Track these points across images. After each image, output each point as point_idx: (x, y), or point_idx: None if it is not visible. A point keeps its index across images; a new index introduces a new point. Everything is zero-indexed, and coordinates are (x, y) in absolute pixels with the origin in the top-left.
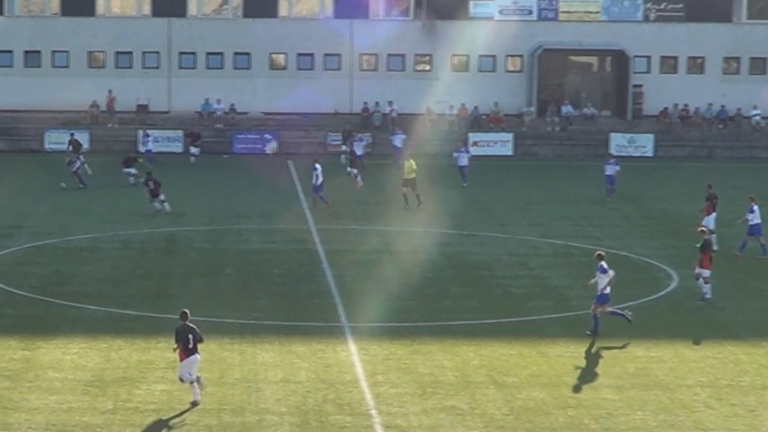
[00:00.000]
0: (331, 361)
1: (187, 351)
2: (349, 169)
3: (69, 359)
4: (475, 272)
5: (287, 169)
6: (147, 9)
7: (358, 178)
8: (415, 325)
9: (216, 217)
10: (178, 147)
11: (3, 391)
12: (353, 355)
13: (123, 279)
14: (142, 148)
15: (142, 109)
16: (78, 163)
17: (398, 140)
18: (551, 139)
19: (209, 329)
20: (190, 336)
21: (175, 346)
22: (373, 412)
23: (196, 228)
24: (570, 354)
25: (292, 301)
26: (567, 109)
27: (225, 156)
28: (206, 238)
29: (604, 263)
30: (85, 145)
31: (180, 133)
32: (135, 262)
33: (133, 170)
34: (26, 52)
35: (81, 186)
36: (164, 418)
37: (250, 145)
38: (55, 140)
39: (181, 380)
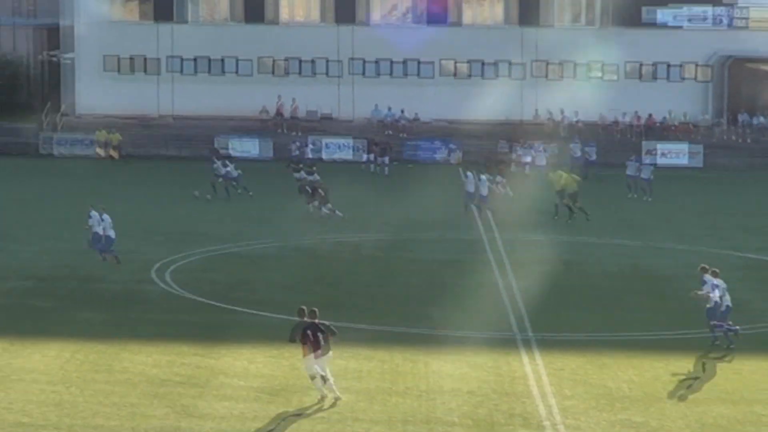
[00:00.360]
0: (503, 372)
1: (311, 346)
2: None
3: (240, 365)
4: (661, 285)
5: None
6: (326, 17)
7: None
8: (591, 336)
9: (391, 226)
10: (349, 154)
11: (177, 397)
12: (526, 365)
13: (295, 286)
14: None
15: (314, 115)
16: (224, 170)
17: (578, 150)
18: (740, 150)
19: (381, 338)
20: (312, 333)
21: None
22: (546, 423)
23: (371, 236)
24: (765, 370)
25: (464, 311)
26: (759, 120)
27: (410, 166)
28: (380, 246)
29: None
30: (256, 152)
31: (350, 140)
32: (307, 269)
33: (302, 175)
34: (204, 58)
35: (209, 196)
36: (334, 426)
37: (429, 153)
38: (236, 146)
39: (311, 377)
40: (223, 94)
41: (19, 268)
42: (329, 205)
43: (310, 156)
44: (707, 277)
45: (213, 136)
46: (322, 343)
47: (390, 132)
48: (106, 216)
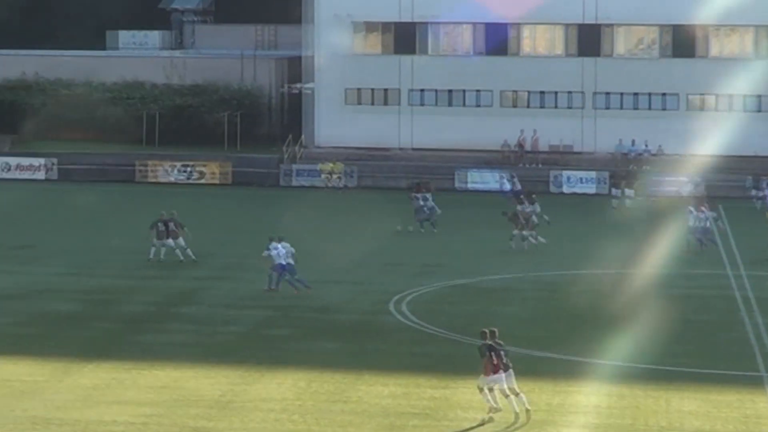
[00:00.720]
0: (749, 412)
1: (491, 367)
2: None
3: (477, 399)
4: None
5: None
6: (569, 49)
7: None
8: None
9: (629, 260)
10: (593, 188)
11: (412, 429)
12: None
13: (534, 319)
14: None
15: (556, 148)
16: (419, 204)
17: None
18: None
19: (621, 373)
20: (493, 354)
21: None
22: None
23: (610, 270)
24: None
25: (709, 348)
26: None
27: (653, 198)
28: (620, 281)
29: None
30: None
31: (594, 174)
32: (546, 302)
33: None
34: (444, 91)
35: (412, 228)
36: None
37: (672, 187)
38: (476, 180)
39: (480, 389)
40: (463, 126)
41: (257, 297)
42: (533, 232)
43: (519, 187)
44: None
45: (453, 169)
46: (504, 360)
47: (634, 166)
48: (284, 245)
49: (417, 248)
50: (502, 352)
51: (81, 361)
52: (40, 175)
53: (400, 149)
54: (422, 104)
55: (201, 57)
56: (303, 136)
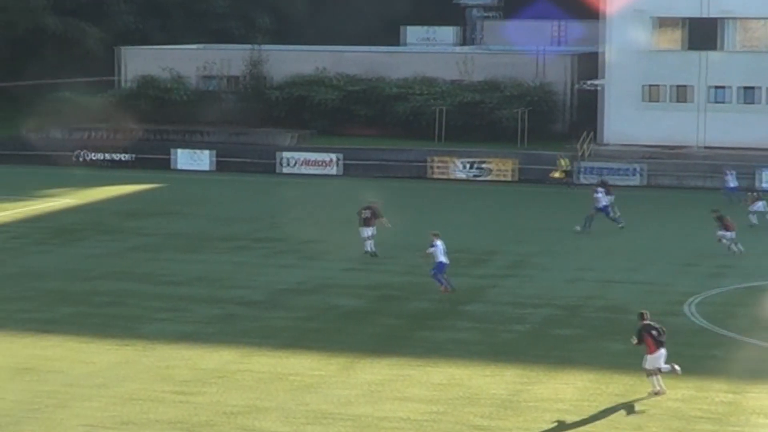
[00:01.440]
0: None
1: (655, 345)
2: None
3: None
4: None
5: None
6: None
7: None
8: None
9: None
10: None
11: None
12: None
13: None
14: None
15: None
16: (603, 203)
17: None
18: None
19: None
20: (654, 332)
21: (636, 341)
22: None
23: None
24: None
25: None
26: None
27: None
28: None
29: None
30: None
31: None
32: None
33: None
34: (741, 88)
35: (579, 229)
36: None
37: None
38: None
39: (647, 372)
40: (761, 124)
41: (543, 296)
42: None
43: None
44: None
45: (753, 168)
46: (661, 339)
47: None
48: (440, 242)
49: (704, 248)
50: (658, 332)
51: (364, 357)
52: (329, 170)
53: (701, 147)
54: (719, 101)
55: (491, 53)
56: (595, 134)
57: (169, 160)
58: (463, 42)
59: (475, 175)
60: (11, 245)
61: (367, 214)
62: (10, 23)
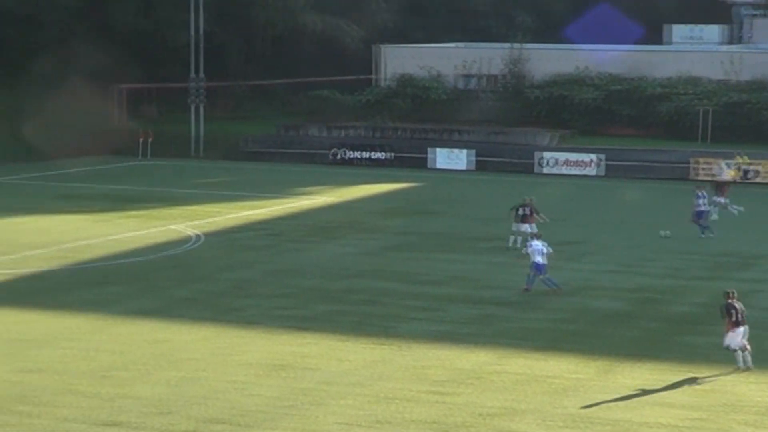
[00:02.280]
0: None
1: (733, 323)
2: None
3: None
4: None
5: None
6: None
7: None
8: None
9: None
10: None
11: None
12: None
13: None
14: None
15: None
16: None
17: None
18: None
19: None
20: (733, 311)
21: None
22: None
23: None
24: None
25: None
26: None
27: None
28: None
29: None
30: None
31: None
32: None
33: None
34: None
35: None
36: None
37: None
38: None
39: (727, 348)
40: None
41: None
42: None
43: None
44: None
45: None
46: (740, 318)
47: None
48: (542, 242)
49: None
50: (739, 311)
51: (623, 361)
52: (590, 170)
53: None
54: None
55: (760, 52)
56: None
57: (426, 159)
58: (730, 41)
59: (741, 178)
60: (270, 242)
61: (525, 211)
62: (270, 21)
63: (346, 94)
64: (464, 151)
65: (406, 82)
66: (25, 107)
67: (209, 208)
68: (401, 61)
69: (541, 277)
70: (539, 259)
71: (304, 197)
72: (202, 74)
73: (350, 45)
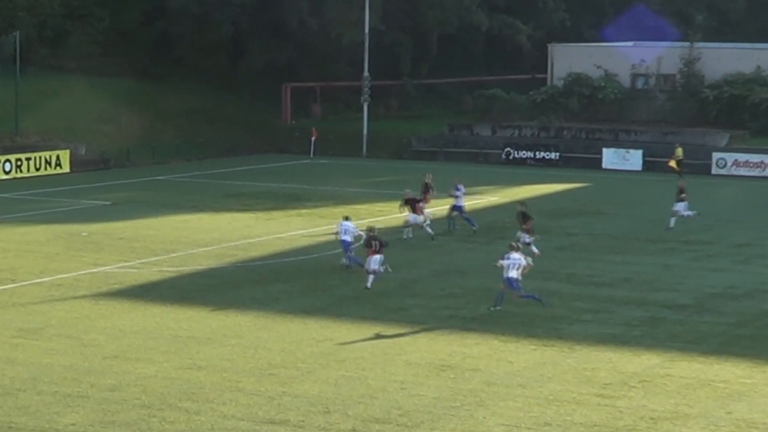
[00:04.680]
0: None
1: (373, 251)
2: None
3: None
4: None
5: None
6: None
7: None
8: None
9: None
10: None
11: None
12: None
13: None
14: None
15: None
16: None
17: None
18: None
19: None
20: (373, 242)
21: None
22: None
23: None
24: None
25: None
26: None
27: None
28: None
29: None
30: None
31: None
32: None
33: None
34: None
35: None
36: None
37: None
38: None
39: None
40: None
41: None
42: None
43: None
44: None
45: None
46: (378, 248)
47: None
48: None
49: None
50: (379, 242)
51: None
52: (763, 172)
53: None
54: None
55: None
56: None
57: (597, 159)
58: None
59: None
60: (436, 242)
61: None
62: (443, 20)
63: (515, 93)
64: (636, 151)
65: (577, 81)
66: (194, 105)
67: (376, 207)
68: (573, 60)
69: (519, 294)
70: (513, 273)
71: (472, 197)
72: (369, 73)
73: (523, 44)
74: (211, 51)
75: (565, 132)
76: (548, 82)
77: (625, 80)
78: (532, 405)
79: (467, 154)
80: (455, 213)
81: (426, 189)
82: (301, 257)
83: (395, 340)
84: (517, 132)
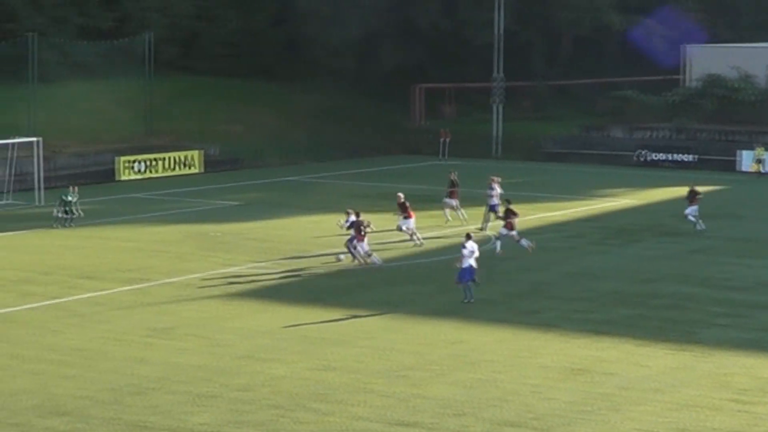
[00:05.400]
0: None
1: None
2: None
3: None
4: None
5: None
6: None
7: None
8: None
9: None
10: None
11: None
12: None
13: None
14: None
15: None
16: None
17: None
18: None
19: None
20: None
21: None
22: None
23: None
24: None
25: None
26: None
27: None
28: None
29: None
30: None
31: None
32: None
33: None
34: None
35: None
36: None
37: None
38: None
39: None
40: None
41: None
42: None
43: None
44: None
45: None
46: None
47: None
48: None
49: None
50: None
51: None
52: None
53: None
54: None
55: None
56: None
57: (733, 161)
58: None
59: None
60: (570, 244)
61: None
62: (576, 21)
63: (649, 94)
64: None
65: (713, 82)
66: (324, 106)
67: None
68: (708, 60)
69: (469, 283)
70: (472, 262)
71: (605, 199)
72: (503, 74)
73: (656, 44)
74: (340, 52)
75: (700, 134)
76: (683, 84)
77: (763, 81)
78: (667, 410)
79: (600, 156)
80: (491, 213)
81: (452, 185)
82: (432, 259)
83: (528, 343)
84: (651, 134)
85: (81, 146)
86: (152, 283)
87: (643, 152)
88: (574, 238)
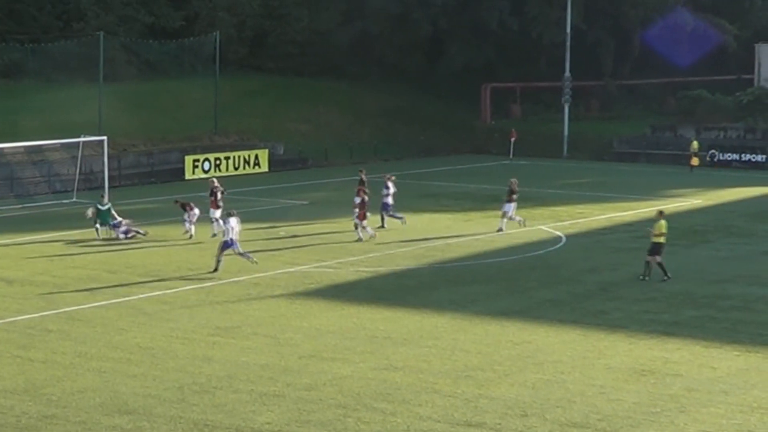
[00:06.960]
0: None
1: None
2: None
3: None
4: None
5: None
6: None
7: None
8: None
9: None
10: None
11: None
12: None
13: None
14: None
15: None
16: None
17: None
18: None
19: None
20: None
21: None
22: None
23: None
24: None
25: None
26: None
27: None
28: None
29: None
30: None
31: None
32: None
33: None
34: None
35: None
36: None
37: None
38: None
39: None
40: None
41: None
42: None
43: None
44: None
45: None
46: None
47: None
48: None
49: None
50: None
51: None
52: None
53: None
54: None
55: None
56: None
57: None
58: None
59: None
60: (636, 245)
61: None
62: (646, 18)
63: (720, 94)
64: None
65: None
66: (392, 105)
67: (576, 209)
68: None
69: (237, 251)
70: (233, 236)
71: (674, 199)
72: (570, 73)
73: (729, 44)
74: (409, 51)
75: None
76: (755, 83)
77: None
78: (735, 412)
79: (670, 156)
80: (383, 212)
81: (511, 191)
82: (499, 259)
83: (595, 343)
84: (722, 134)
85: (148, 145)
86: (218, 282)
87: (714, 152)
88: (642, 238)
